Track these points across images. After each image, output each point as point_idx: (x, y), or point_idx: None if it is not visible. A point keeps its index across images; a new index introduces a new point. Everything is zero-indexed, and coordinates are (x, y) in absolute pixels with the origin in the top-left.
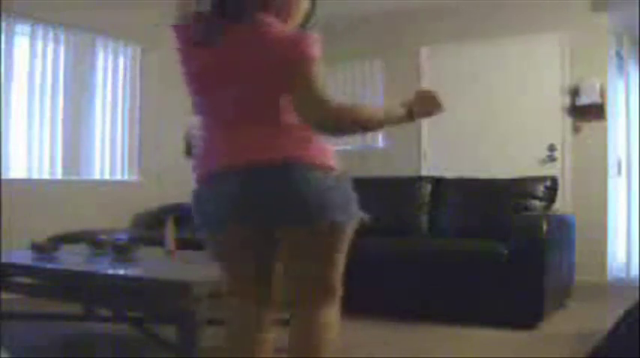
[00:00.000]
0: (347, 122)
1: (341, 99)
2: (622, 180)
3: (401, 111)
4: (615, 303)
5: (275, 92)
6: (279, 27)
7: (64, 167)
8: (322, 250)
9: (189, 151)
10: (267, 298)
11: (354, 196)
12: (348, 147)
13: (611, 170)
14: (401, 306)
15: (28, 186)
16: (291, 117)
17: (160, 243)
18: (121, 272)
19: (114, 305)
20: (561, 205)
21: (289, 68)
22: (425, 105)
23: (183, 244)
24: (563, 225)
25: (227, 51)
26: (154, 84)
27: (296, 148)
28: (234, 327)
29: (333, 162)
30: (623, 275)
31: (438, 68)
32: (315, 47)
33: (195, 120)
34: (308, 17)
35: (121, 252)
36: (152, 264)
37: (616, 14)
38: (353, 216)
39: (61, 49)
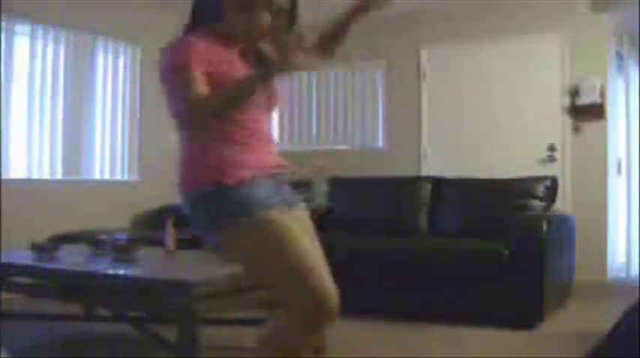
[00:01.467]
0: (211, 114)
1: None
2: (622, 180)
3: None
4: (615, 303)
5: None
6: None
7: (64, 167)
8: None
9: None
10: None
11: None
12: (348, 147)
13: (611, 170)
14: (401, 306)
15: (28, 186)
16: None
17: (159, 243)
18: (121, 272)
19: (114, 305)
20: (561, 205)
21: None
22: (289, 50)
23: (183, 244)
24: (563, 225)
25: None
26: (154, 84)
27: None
28: None
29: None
30: (623, 275)
31: (439, 69)
32: (166, 59)
33: None
34: (292, 17)
35: (121, 252)
36: (152, 263)
37: (616, 14)
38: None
39: (61, 49)
